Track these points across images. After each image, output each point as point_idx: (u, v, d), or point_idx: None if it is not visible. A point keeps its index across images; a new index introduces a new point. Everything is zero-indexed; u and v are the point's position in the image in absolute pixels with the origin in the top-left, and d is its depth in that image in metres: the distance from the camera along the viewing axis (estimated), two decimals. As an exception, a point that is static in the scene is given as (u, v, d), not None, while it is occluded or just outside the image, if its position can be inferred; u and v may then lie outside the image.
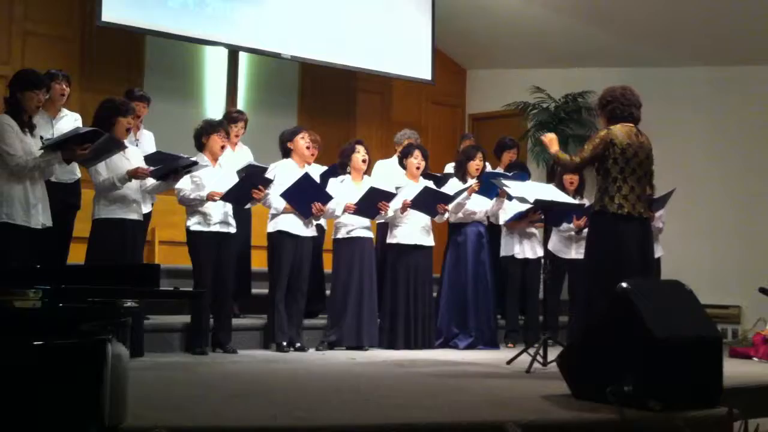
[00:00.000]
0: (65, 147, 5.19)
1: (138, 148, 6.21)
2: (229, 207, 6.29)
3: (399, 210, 7.04)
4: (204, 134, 6.29)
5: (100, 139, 5.25)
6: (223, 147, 6.33)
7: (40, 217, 5.25)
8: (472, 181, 7.29)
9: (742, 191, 8.69)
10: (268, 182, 6.41)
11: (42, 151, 5.15)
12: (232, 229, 6.33)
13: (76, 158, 5.35)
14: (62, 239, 6.05)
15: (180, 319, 6.37)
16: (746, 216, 8.64)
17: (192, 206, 6.18)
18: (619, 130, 5.08)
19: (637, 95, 5.20)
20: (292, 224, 6.59)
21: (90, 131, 5.28)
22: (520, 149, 8.57)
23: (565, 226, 7.48)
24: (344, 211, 6.82)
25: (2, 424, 2.59)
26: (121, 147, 5.47)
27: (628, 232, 5.01)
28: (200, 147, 6.31)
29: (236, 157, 6.99)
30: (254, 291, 7.16)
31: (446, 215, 7.29)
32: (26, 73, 5.40)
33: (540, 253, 7.61)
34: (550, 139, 5.51)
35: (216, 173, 6.28)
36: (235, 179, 6.32)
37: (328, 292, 7.24)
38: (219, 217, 6.20)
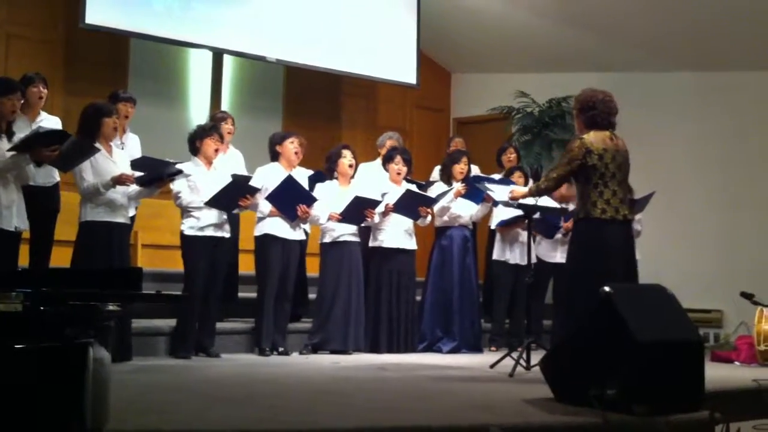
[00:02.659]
0: (34, 148, 5.17)
1: (124, 152, 6.20)
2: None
3: (381, 214, 7.05)
4: (198, 138, 6.32)
5: (67, 141, 5.26)
6: (216, 150, 6.38)
7: (14, 220, 5.23)
8: (456, 185, 7.30)
9: (725, 196, 8.73)
10: (254, 191, 6.42)
11: (11, 153, 5.14)
12: (227, 234, 6.34)
13: (45, 160, 5.33)
14: (43, 243, 6.02)
15: (167, 323, 6.34)
16: (728, 221, 8.68)
17: (189, 210, 6.20)
18: (593, 137, 5.07)
19: (616, 102, 5.21)
20: (279, 227, 6.60)
21: (53, 131, 5.30)
22: (518, 152, 8.59)
23: (549, 230, 7.51)
24: (329, 219, 6.85)
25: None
26: (94, 150, 5.45)
27: (612, 235, 5.00)
28: (194, 151, 6.34)
29: (228, 159, 7.00)
30: (240, 295, 7.12)
31: (428, 218, 7.30)
32: None
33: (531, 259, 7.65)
34: (513, 193, 5.74)
35: (210, 176, 6.30)
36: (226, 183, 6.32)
37: (311, 296, 7.23)
38: (213, 221, 6.21)
